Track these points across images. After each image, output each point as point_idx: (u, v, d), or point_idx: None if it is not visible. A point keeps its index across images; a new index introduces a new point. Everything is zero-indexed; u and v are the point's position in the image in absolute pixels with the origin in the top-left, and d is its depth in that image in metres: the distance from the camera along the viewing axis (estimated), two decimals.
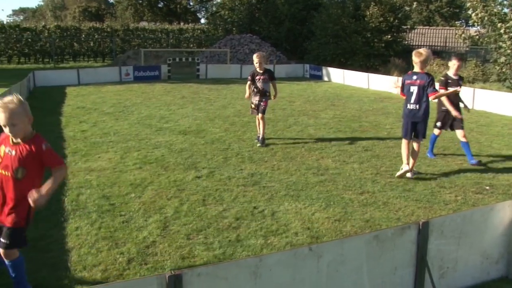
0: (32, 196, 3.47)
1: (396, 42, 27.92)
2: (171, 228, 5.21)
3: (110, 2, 64.69)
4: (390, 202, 6.21)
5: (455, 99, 8.34)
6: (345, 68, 23.75)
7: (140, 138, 9.60)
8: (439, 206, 6.13)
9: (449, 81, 8.38)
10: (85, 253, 4.62)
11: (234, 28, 33.69)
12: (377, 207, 6.01)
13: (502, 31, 20.50)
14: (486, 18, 21.45)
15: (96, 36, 36.57)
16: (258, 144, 9.15)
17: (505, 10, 20.63)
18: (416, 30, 34.67)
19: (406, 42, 30.33)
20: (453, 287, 4.15)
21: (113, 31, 37.26)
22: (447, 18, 51.94)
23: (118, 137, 9.62)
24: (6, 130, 3.57)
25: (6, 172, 3.63)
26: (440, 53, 31.22)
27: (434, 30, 37.28)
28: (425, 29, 37.28)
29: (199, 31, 41.06)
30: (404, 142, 7.38)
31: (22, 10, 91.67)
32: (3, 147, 3.66)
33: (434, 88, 7.19)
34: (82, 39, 35.91)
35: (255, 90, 9.40)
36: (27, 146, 3.61)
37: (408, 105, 7.22)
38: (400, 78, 7.86)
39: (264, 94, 9.35)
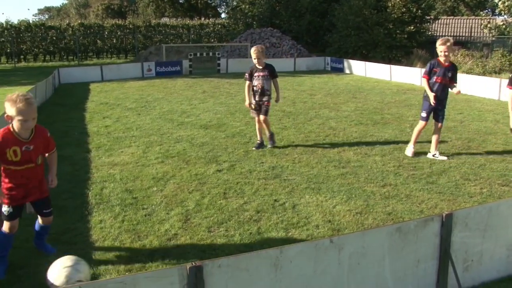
0: (53, 183, 4.30)
1: (419, 33, 27.52)
2: (193, 221, 5.25)
3: None
4: (413, 194, 6.14)
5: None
6: (367, 61, 23.52)
7: (162, 132, 9.68)
8: (463, 199, 6.04)
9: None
10: (109, 245, 4.69)
11: (254, 22, 33.64)
12: (399, 199, 5.95)
13: None
14: None
15: (118, 33, 36.93)
16: (269, 146, 8.40)
17: None
18: (440, 20, 34.10)
19: (429, 33, 29.86)
20: (478, 280, 4.10)
21: (135, 27, 37.57)
22: (472, 8, 50.98)
23: (141, 132, 9.72)
24: (27, 124, 3.87)
25: (31, 164, 4.10)
26: (465, 44, 30.65)
27: (459, 20, 36.57)
28: (449, 19, 36.61)
29: (219, 26, 41.14)
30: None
31: (47, 9, 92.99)
32: (15, 147, 3.95)
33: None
34: (105, 36, 36.32)
35: (254, 88, 8.33)
36: (39, 137, 4.10)
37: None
38: None
39: (264, 93, 8.32)
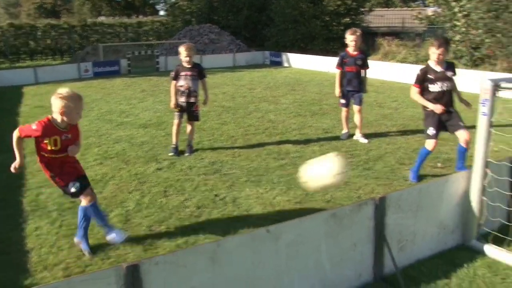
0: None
1: (355, 24, 28.09)
2: (133, 221, 5.19)
3: None
4: (351, 181, 6.32)
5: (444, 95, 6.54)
6: (305, 53, 23.86)
7: (101, 133, 9.47)
8: (398, 183, 6.28)
9: (430, 76, 6.61)
10: (46, 252, 4.57)
11: (193, 19, 33.36)
12: (337, 187, 6.11)
13: (456, 9, 20.98)
14: None
15: (53, 33, 35.59)
16: (186, 154, 7.77)
17: None
18: (374, 12, 35.02)
19: (365, 25, 30.60)
20: (413, 259, 4.28)
21: (71, 27, 36.34)
22: None
23: None
24: (76, 116, 4.43)
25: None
26: (399, 34, 31.64)
27: (392, 11, 37.67)
28: (383, 10, 37.64)
29: (158, 24, 40.49)
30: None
31: None
32: (55, 137, 4.34)
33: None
34: (38, 36, 34.95)
35: (180, 89, 7.75)
36: (74, 127, 4.52)
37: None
38: None
39: (190, 94, 7.74)
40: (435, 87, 6.50)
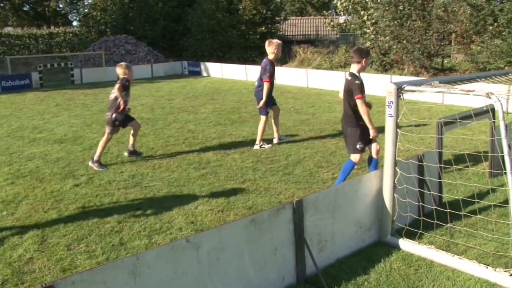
0: None
1: (270, 33, 28.69)
2: (50, 241, 4.98)
3: None
4: (271, 187, 6.44)
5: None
6: (223, 62, 24.03)
7: (11, 151, 8.98)
8: (317, 185, 6.48)
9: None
10: None
11: (108, 30, 32.59)
12: (259, 193, 6.20)
13: (365, 18, 22.01)
14: (350, 7, 22.91)
15: None
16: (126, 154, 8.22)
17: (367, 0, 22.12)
18: (289, 21, 35.94)
19: (280, 33, 31.31)
20: (333, 258, 4.43)
21: None
22: (318, 8, 54.43)
23: None
24: None
25: None
26: (313, 42, 32.67)
27: (306, 20, 38.79)
28: (297, 19, 38.67)
29: (71, 35, 39.10)
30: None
31: None
32: None
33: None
34: None
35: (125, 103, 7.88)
36: None
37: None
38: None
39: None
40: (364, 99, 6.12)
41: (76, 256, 4.63)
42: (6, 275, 4.30)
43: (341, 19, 27.69)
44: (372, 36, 21.58)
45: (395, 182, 4.73)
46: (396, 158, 4.68)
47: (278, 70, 20.14)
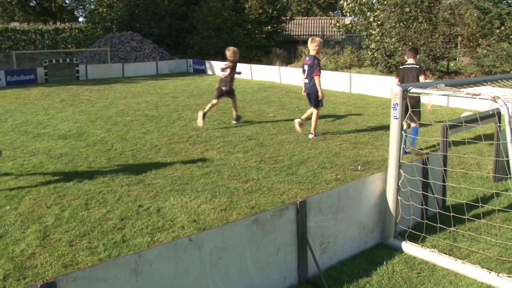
0: None
1: (276, 32, 28.69)
2: (52, 237, 4.98)
3: None
4: (275, 187, 6.43)
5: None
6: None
7: (15, 146, 9.00)
8: (321, 186, 6.46)
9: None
10: None
11: (113, 26, 32.60)
12: (262, 193, 6.19)
13: (371, 19, 21.95)
14: (356, 8, 22.86)
15: None
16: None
17: (373, 1, 22.11)
18: (295, 20, 35.85)
19: (286, 33, 31.28)
20: (335, 260, 4.42)
21: None
22: (324, 9, 54.36)
23: None
24: None
25: None
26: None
27: (312, 20, 38.74)
28: (303, 19, 38.60)
29: (77, 31, 39.13)
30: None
31: None
32: None
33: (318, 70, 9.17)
34: None
35: None
36: None
37: (304, 80, 9.39)
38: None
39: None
40: None
41: (78, 252, 4.63)
42: (8, 270, 4.30)
43: (347, 20, 27.65)
44: (378, 37, 21.53)
45: (399, 184, 4.71)
46: (401, 161, 4.67)
47: (284, 70, 20.17)
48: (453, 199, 5.74)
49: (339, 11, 57.19)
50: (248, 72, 21.20)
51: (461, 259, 4.33)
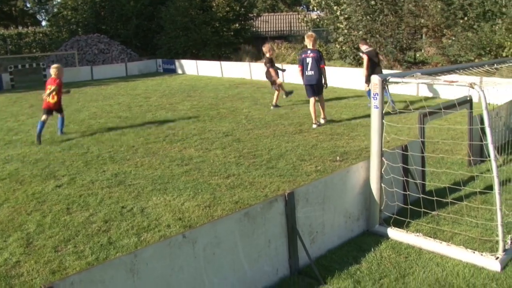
0: None
1: (244, 29, 28.72)
2: (36, 244, 4.89)
3: None
4: (256, 181, 6.45)
5: None
6: (198, 59, 23.93)
7: None
8: (302, 178, 6.51)
9: None
10: None
11: (79, 29, 32.05)
12: (244, 188, 6.21)
13: (338, 13, 22.16)
14: (323, 3, 23.04)
15: None
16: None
17: None
18: (261, 17, 35.94)
19: (254, 29, 31.33)
20: (324, 249, 4.47)
21: None
22: (290, 5, 54.65)
23: None
24: None
25: None
26: (287, 37, 32.72)
27: (278, 16, 38.90)
28: (270, 15, 38.74)
29: (41, 35, 38.33)
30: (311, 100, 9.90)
31: None
32: None
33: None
34: None
35: None
36: None
37: (306, 72, 9.86)
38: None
39: None
40: None
41: (64, 257, 4.56)
42: None
43: (313, 15, 27.83)
44: (345, 31, 21.76)
45: (382, 172, 4.80)
46: (383, 149, 4.75)
47: (254, 66, 20.20)
48: (433, 183, 5.87)
49: (304, 6, 57.71)
50: (219, 69, 21.17)
51: (445, 241, 4.43)
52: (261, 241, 3.88)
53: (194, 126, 10.16)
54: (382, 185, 4.82)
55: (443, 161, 6.91)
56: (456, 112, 7.26)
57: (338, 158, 7.43)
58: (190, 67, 23.11)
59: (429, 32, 20.84)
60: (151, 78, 21.58)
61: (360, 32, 20.72)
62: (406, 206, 4.92)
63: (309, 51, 9.88)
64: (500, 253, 4.08)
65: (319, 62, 9.78)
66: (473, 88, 4.07)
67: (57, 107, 10.13)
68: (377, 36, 20.19)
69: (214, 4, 27.22)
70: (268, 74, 12.51)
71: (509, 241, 4.27)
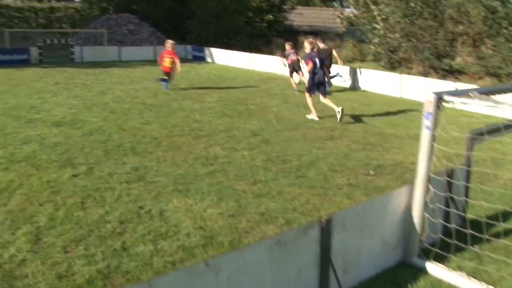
0: None
1: (277, 22, 28.15)
2: (45, 241, 4.54)
3: None
4: (284, 191, 6.02)
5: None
6: (228, 48, 23.47)
7: (6, 132, 8.51)
8: (333, 192, 6.06)
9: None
10: None
11: (110, 7, 31.81)
12: (271, 197, 5.78)
13: (375, 13, 21.48)
14: (361, 1, 22.37)
15: None
16: None
17: None
18: (295, 10, 35.27)
19: (287, 23, 30.70)
20: (357, 280, 4.05)
21: None
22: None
23: None
24: None
25: None
26: (318, 33, 31.99)
27: (313, 10, 38.18)
28: (304, 9, 38.03)
29: (72, 10, 38.25)
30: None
31: None
32: None
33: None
34: None
35: None
36: None
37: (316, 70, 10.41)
38: None
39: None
40: None
41: (73, 260, 4.20)
42: None
43: (346, 12, 27.09)
44: (382, 32, 21.08)
45: (427, 199, 4.33)
46: (430, 175, 4.28)
47: (284, 60, 19.68)
48: (476, 215, 5.37)
49: (338, 1, 56.85)
50: (249, 62, 20.70)
51: (492, 285, 3.96)
52: (292, 271, 3.47)
53: (221, 122, 9.73)
54: (425, 214, 4.36)
55: (484, 186, 6.38)
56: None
57: (371, 172, 6.95)
58: (220, 56, 22.67)
59: (468, 40, 20.07)
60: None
61: (397, 34, 20.05)
62: (447, 239, 4.45)
63: (314, 52, 10.55)
64: None
65: (323, 62, 10.79)
66: None
67: (169, 72, 13.81)
68: (414, 40, 19.51)
69: None
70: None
71: None
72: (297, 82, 14.54)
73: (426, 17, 19.36)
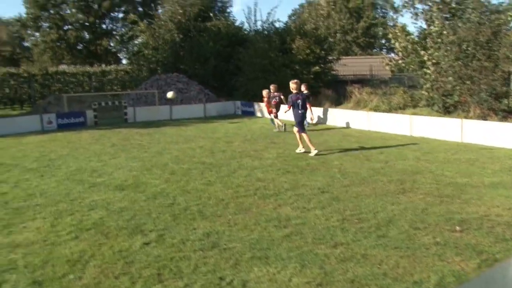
0: None
1: (324, 73, 28.13)
2: None
3: (26, 45, 61.51)
4: (369, 253, 5.58)
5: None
6: None
7: (72, 198, 8.46)
8: (421, 252, 5.58)
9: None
10: None
11: (159, 68, 32.70)
12: (357, 262, 5.35)
13: (425, 58, 21.14)
14: (409, 47, 22.13)
15: (12, 82, 34.24)
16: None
17: (427, 40, 21.35)
18: (339, 60, 35.33)
19: (334, 73, 30.67)
20: None
21: (31, 75, 35.10)
22: (364, 48, 54.12)
23: (46, 199, 8.43)
24: None
25: None
26: (366, 82, 31.78)
27: (356, 59, 38.23)
28: (348, 59, 38.09)
29: (122, 72, 39.66)
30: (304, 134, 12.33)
31: None
32: None
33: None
34: None
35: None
36: None
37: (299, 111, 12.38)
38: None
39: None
40: None
41: None
42: None
43: (387, 59, 26.78)
44: (433, 76, 20.64)
45: None
46: None
47: (334, 111, 19.51)
48: None
49: (378, 49, 56.96)
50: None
51: None
52: None
53: (285, 179, 9.41)
54: None
55: None
56: None
57: (457, 228, 6.43)
58: None
59: None
60: (229, 120, 21.29)
61: (450, 78, 19.56)
62: None
63: (298, 94, 12.42)
64: None
65: (306, 102, 12.83)
66: None
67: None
68: (468, 82, 18.94)
69: (295, 46, 26.90)
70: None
71: None
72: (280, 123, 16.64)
73: (480, 58, 18.86)
